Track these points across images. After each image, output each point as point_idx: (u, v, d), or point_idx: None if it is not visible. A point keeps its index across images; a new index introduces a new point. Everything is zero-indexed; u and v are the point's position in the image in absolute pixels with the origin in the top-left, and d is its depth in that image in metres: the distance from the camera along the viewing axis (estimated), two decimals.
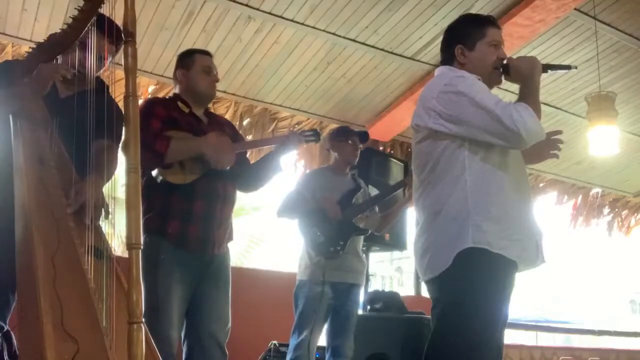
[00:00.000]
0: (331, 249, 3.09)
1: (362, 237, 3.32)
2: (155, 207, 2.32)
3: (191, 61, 2.51)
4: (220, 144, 2.38)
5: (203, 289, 2.37)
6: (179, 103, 2.49)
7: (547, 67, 1.97)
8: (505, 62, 1.99)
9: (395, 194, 3.56)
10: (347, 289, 3.16)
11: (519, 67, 1.94)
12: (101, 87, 2.08)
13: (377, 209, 3.43)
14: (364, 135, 3.36)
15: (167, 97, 2.65)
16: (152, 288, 2.24)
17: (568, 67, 2.03)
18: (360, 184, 3.39)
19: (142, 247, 2.36)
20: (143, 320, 1.23)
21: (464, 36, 2.02)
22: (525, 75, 1.92)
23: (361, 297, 3.34)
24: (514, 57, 2.01)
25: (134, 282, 1.24)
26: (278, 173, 2.65)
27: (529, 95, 1.90)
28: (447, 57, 2.06)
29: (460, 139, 1.89)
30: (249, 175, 2.59)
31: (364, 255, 3.39)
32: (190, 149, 2.34)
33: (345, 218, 3.15)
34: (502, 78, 2.02)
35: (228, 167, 2.40)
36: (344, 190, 3.24)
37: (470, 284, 1.82)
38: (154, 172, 2.33)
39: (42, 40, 2.04)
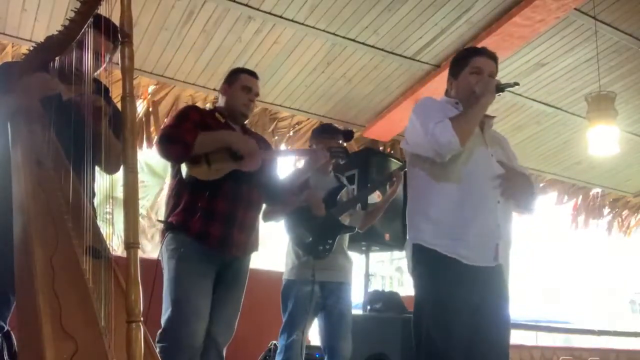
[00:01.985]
0: (320, 247, 3.06)
1: (347, 235, 3.27)
2: (181, 204, 2.39)
3: (235, 78, 2.64)
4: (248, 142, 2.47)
5: (218, 289, 2.40)
6: (217, 114, 2.60)
7: (499, 89, 2.19)
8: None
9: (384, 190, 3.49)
10: (336, 287, 3.13)
11: (478, 88, 2.21)
12: (103, 91, 2.08)
13: (359, 206, 3.40)
14: (348, 134, 3.27)
15: (207, 107, 2.78)
16: (177, 282, 2.30)
17: (512, 85, 2.25)
18: (343, 181, 3.37)
19: (164, 244, 2.42)
20: (142, 319, 1.24)
21: (454, 68, 2.36)
22: (478, 96, 2.18)
23: (353, 296, 3.27)
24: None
25: (132, 281, 1.23)
26: (305, 190, 2.81)
27: (468, 109, 2.17)
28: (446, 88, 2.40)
29: (417, 154, 2.24)
30: (276, 187, 2.66)
31: (349, 253, 3.33)
32: (217, 139, 2.42)
33: (332, 216, 3.12)
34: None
35: (253, 170, 2.44)
36: (328, 189, 3.21)
37: (415, 278, 2.20)
38: (183, 173, 2.38)
39: (40, 42, 2.04)
